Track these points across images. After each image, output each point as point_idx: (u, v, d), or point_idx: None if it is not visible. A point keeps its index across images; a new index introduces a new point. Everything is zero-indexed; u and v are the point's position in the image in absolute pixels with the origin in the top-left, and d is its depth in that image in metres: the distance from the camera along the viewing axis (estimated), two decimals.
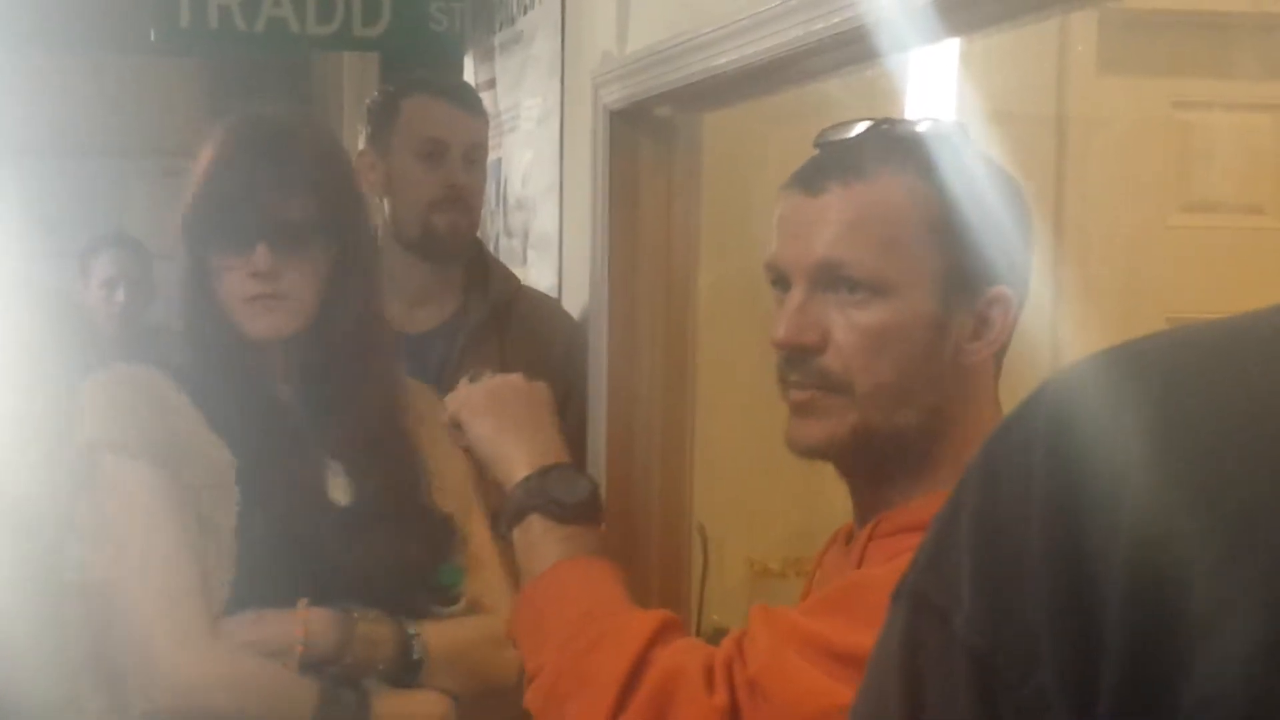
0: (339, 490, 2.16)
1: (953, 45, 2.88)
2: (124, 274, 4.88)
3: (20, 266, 4.58)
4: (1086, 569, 0.66)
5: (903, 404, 1.50)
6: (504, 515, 1.72)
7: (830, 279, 1.50)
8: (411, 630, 2.13)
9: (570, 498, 1.69)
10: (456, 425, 1.81)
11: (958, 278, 1.49)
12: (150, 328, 4.92)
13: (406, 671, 2.13)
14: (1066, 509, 0.67)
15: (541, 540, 1.68)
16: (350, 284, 2.17)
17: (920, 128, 1.55)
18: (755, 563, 3.71)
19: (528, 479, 1.70)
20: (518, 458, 1.73)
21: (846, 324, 1.49)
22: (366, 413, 2.19)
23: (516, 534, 1.71)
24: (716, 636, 3.48)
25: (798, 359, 1.52)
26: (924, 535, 0.77)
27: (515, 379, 1.84)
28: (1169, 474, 0.65)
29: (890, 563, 1.43)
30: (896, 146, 1.53)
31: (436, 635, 2.15)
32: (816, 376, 1.51)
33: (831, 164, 1.54)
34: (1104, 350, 0.72)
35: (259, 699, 2.06)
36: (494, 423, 1.77)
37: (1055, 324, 3.15)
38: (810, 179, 1.53)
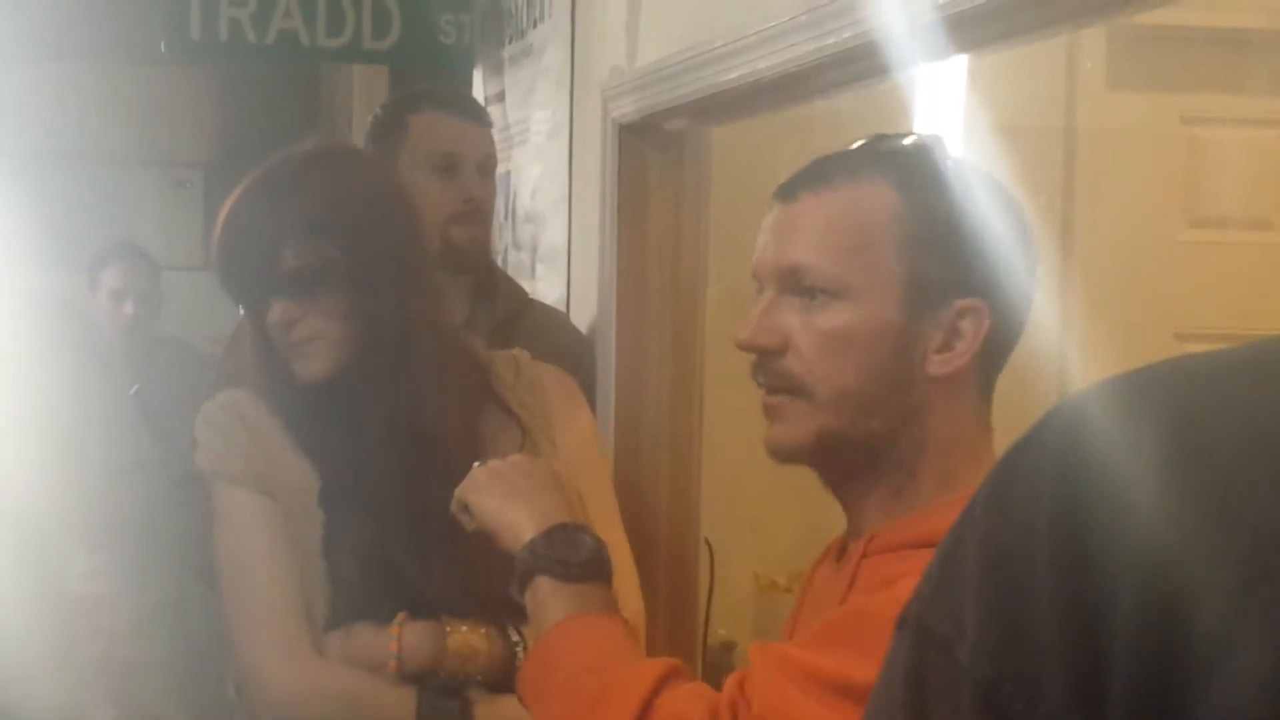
0: (436, 504, 2.16)
1: (962, 61, 2.88)
2: (132, 285, 4.89)
3: (28, 275, 4.58)
4: (1094, 598, 0.65)
5: (867, 411, 1.52)
6: (514, 580, 1.73)
7: (793, 283, 1.54)
8: (515, 638, 2.14)
9: (575, 556, 1.69)
10: (464, 508, 1.83)
11: (924, 288, 1.50)
12: (158, 339, 4.92)
13: (511, 679, 2.12)
14: (1075, 536, 0.67)
15: (549, 601, 1.68)
16: (380, 312, 2.18)
17: (899, 141, 1.56)
18: (761, 577, 3.70)
19: (533, 541, 1.71)
20: (522, 523, 1.74)
21: (805, 327, 1.53)
22: (452, 425, 2.20)
23: (527, 597, 1.71)
24: (723, 650, 3.49)
25: (763, 361, 1.56)
26: (929, 560, 0.76)
27: (517, 457, 1.87)
28: (1181, 502, 0.65)
29: (888, 589, 1.43)
30: (872, 159, 1.55)
31: None
32: (779, 378, 1.55)
33: (809, 175, 1.57)
34: (1117, 375, 0.72)
35: (357, 711, 2.10)
36: (498, 496, 1.79)
37: (1063, 339, 3.15)
38: (788, 189, 1.57)
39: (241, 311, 2.24)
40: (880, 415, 1.52)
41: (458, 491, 1.85)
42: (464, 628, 2.13)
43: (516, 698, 2.11)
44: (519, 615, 2.12)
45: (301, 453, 2.17)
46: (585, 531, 1.73)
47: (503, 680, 2.13)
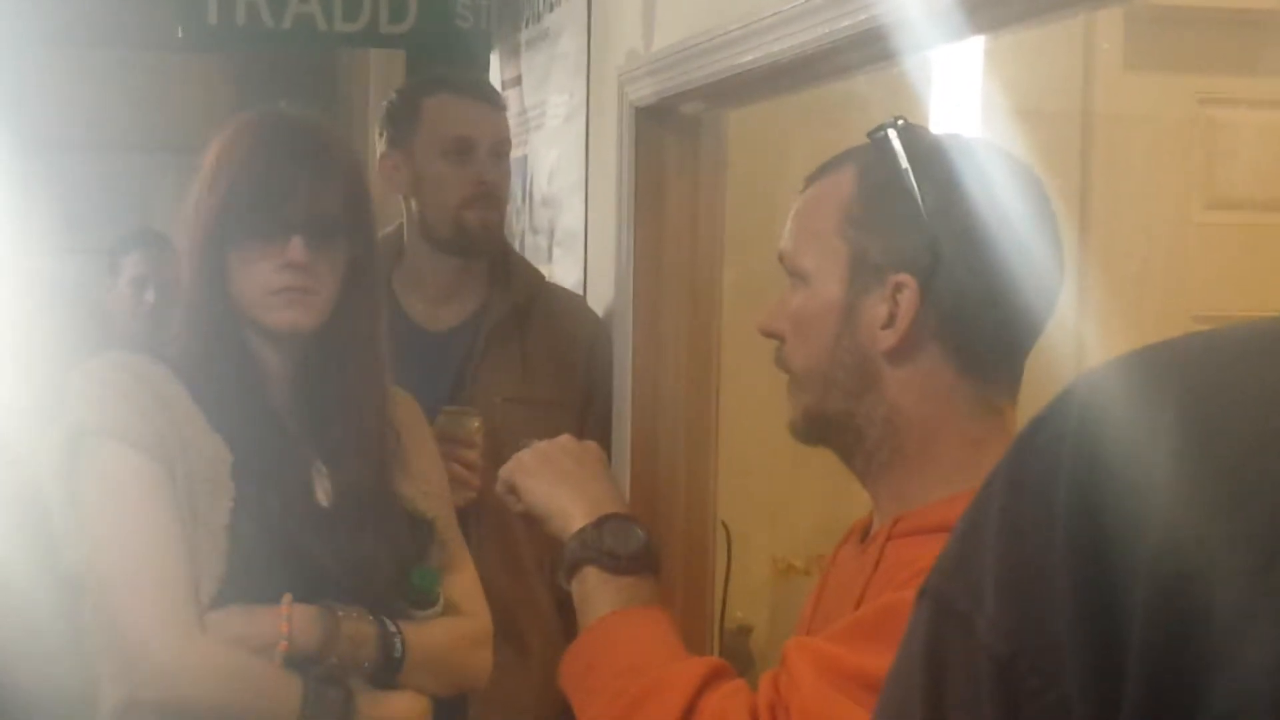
0: (324, 489, 2.17)
1: (978, 42, 2.87)
2: (154, 273, 4.88)
3: (45, 261, 4.59)
4: (1110, 575, 0.65)
5: (831, 388, 1.57)
6: (561, 568, 1.73)
7: (786, 270, 1.61)
8: (392, 629, 2.14)
9: (624, 549, 1.69)
10: (510, 490, 1.83)
11: (864, 265, 1.54)
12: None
13: (387, 670, 2.14)
14: (1091, 513, 0.67)
15: (596, 592, 1.68)
16: (364, 284, 2.20)
17: (892, 127, 1.57)
18: (778, 560, 3.71)
19: (583, 530, 1.71)
20: (573, 510, 1.74)
21: (789, 313, 1.60)
22: (359, 414, 2.21)
23: (574, 586, 1.71)
24: (739, 634, 3.49)
25: (777, 348, 1.63)
26: (949, 535, 0.76)
27: (564, 439, 1.86)
28: (1196, 480, 0.65)
29: (916, 579, 1.44)
30: (858, 148, 1.58)
31: (414, 636, 2.16)
32: (781, 362, 1.62)
33: (818, 167, 1.63)
34: (1134, 351, 0.72)
35: (245, 693, 2.06)
36: (547, 480, 1.79)
37: (1080, 320, 3.14)
38: (804, 182, 1.64)
39: (204, 252, 2.14)
40: (841, 392, 1.56)
41: (503, 472, 1.84)
42: (354, 614, 2.11)
43: (404, 690, 2.15)
44: (398, 610, 2.16)
45: (211, 424, 2.10)
46: (635, 523, 1.72)
47: (382, 673, 2.14)
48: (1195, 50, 3.82)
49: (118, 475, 2.06)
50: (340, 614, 2.09)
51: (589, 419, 3.09)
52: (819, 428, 1.60)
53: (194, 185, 2.20)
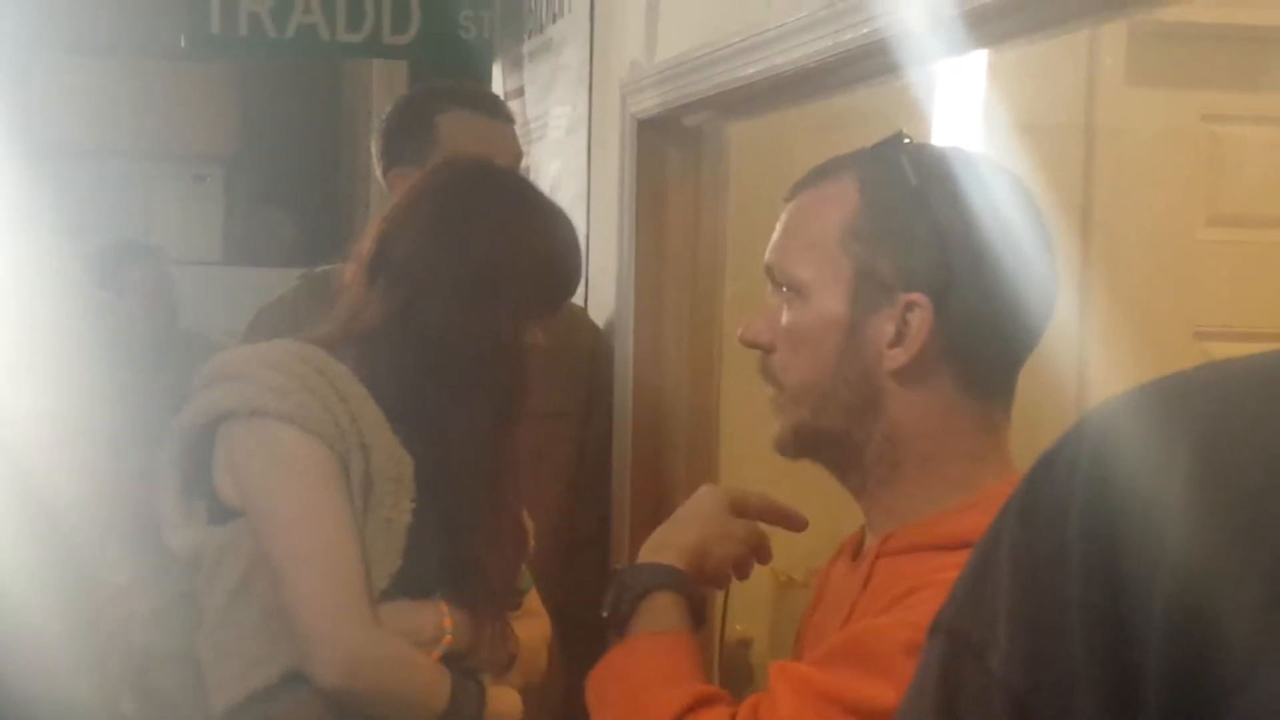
0: (476, 498, 2.25)
1: (981, 56, 2.87)
2: (153, 280, 4.89)
3: (51, 268, 4.59)
4: (1125, 607, 0.65)
5: (828, 405, 1.54)
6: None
7: (773, 281, 1.59)
8: (510, 628, 2.27)
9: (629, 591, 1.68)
10: None
11: (871, 283, 1.51)
12: (178, 335, 4.92)
13: (507, 666, 2.27)
14: (1106, 546, 0.67)
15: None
16: None
17: (892, 140, 1.56)
18: (779, 573, 3.70)
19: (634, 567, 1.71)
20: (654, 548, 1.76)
21: (779, 324, 1.57)
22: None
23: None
24: (739, 647, 3.48)
25: (761, 358, 1.60)
26: (942, 563, 0.76)
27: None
28: (1210, 513, 0.65)
29: (899, 604, 1.43)
30: (855, 158, 1.56)
31: (519, 634, 2.29)
32: (767, 374, 1.60)
33: (806, 176, 1.60)
34: (1147, 383, 0.72)
35: (411, 684, 2.16)
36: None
37: (1082, 336, 3.14)
38: (791, 190, 1.61)
39: (502, 313, 2.26)
40: (841, 409, 1.54)
41: None
42: (498, 614, 2.24)
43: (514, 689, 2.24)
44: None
45: (393, 427, 2.16)
46: (662, 569, 1.71)
47: (503, 669, 2.26)
48: (1199, 66, 3.82)
49: (304, 462, 2.11)
50: (491, 614, 2.21)
51: (590, 431, 3.09)
52: (809, 443, 1.58)
53: (492, 230, 2.27)
